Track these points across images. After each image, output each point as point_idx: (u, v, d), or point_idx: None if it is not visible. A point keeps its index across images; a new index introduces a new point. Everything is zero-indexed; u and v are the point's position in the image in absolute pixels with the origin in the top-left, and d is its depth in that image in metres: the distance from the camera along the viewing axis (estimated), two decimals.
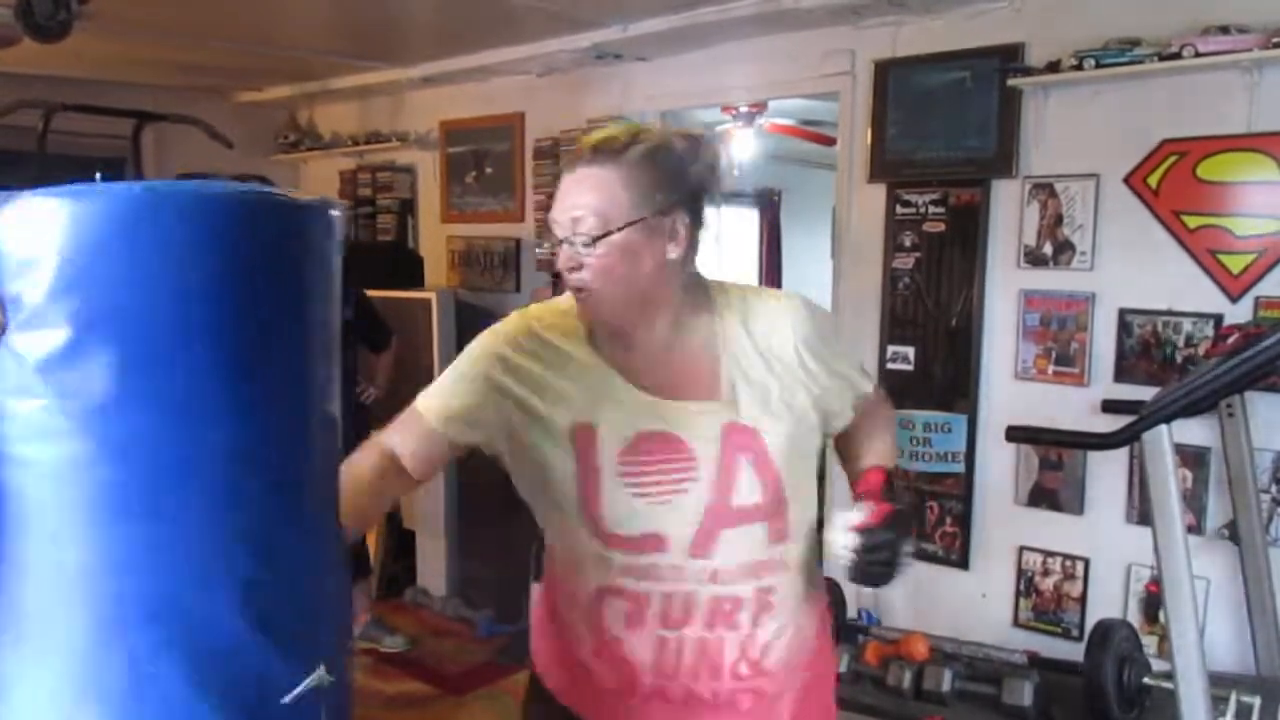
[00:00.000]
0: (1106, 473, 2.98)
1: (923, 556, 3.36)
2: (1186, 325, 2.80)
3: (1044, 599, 3.13)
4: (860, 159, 3.44)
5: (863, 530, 1.31)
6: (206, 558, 0.79)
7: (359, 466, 1.31)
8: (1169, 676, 2.15)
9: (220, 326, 0.78)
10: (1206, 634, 2.57)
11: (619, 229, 1.24)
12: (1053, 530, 3.10)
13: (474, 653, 4.01)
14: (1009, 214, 3.12)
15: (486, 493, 3.98)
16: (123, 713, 0.78)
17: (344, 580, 0.94)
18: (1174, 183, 2.79)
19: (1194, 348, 2.78)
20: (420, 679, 3.83)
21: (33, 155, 3.64)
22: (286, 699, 0.81)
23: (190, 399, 0.77)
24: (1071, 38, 2.90)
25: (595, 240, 1.24)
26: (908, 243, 3.33)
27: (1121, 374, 2.92)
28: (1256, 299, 2.69)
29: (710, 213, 1.34)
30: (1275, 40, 2.53)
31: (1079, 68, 2.83)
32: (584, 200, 1.25)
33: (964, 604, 3.29)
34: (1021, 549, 3.17)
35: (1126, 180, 2.88)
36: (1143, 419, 2.06)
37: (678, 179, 1.28)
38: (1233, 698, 2.29)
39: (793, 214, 8.59)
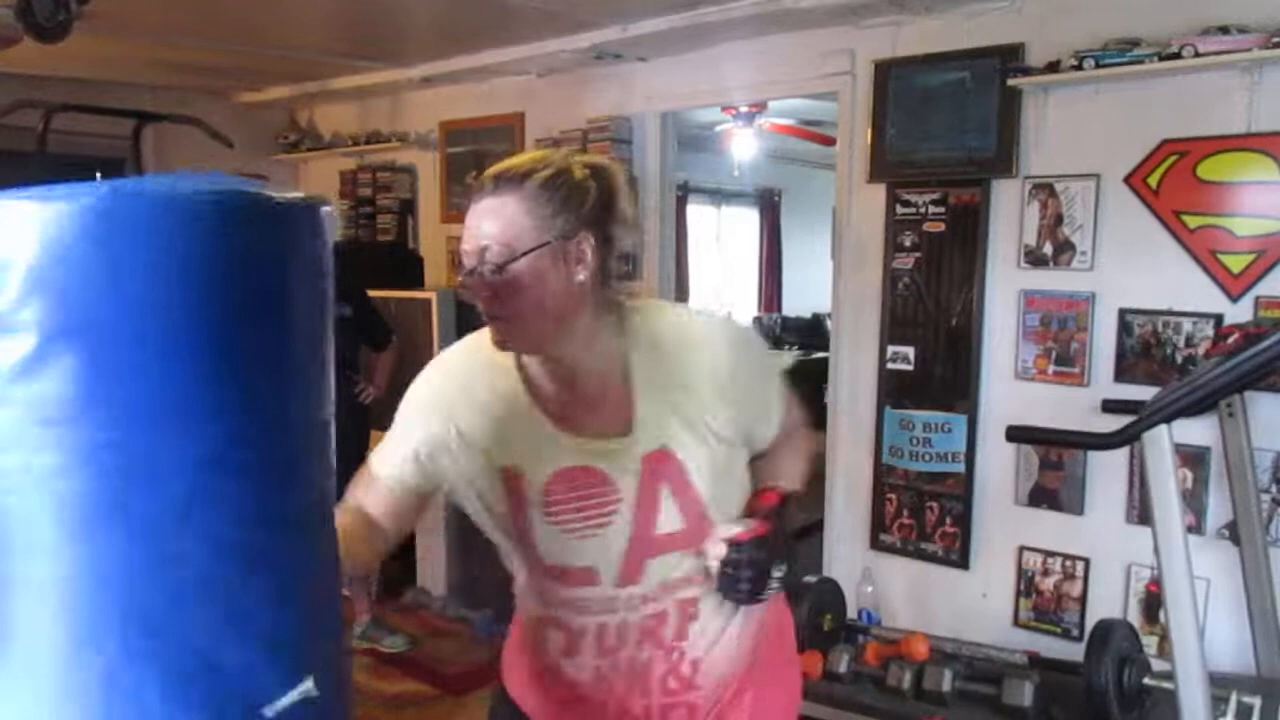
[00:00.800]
0: (1106, 473, 2.98)
1: (923, 556, 3.36)
2: (1186, 325, 2.80)
3: (1044, 599, 3.13)
4: (860, 159, 3.44)
5: (731, 544, 1.33)
6: (183, 568, 0.76)
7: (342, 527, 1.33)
8: (1169, 676, 2.14)
9: (194, 330, 0.75)
10: (1206, 634, 2.57)
11: (523, 254, 1.25)
12: (1053, 530, 3.10)
13: (474, 653, 4.00)
14: (1009, 214, 3.12)
15: None
16: None
17: (335, 588, 0.91)
18: (1174, 183, 2.79)
19: (1194, 348, 2.78)
20: (420, 679, 3.82)
21: (33, 155, 3.64)
22: (269, 711, 0.78)
23: (164, 405, 0.75)
24: (1071, 38, 2.90)
25: (501, 268, 1.26)
26: (908, 243, 3.32)
27: (1121, 374, 2.92)
28: (1256, 299, 2.69)
29: (622, 236, 1.34)
30: (1275, 40, 2.54)
31: (1079, 68, 2.83)
32: (488, 229, 1.27)
33: (964, 604, 3.29)
34: (1022, 549, 3.17)
35: (1127, 180, 2.88)
36: (1143, 419, 2.06)
37: (578, 204, 1.29)
38: (1233, 698, 2.29)
39: (793, 214, 8.60)
